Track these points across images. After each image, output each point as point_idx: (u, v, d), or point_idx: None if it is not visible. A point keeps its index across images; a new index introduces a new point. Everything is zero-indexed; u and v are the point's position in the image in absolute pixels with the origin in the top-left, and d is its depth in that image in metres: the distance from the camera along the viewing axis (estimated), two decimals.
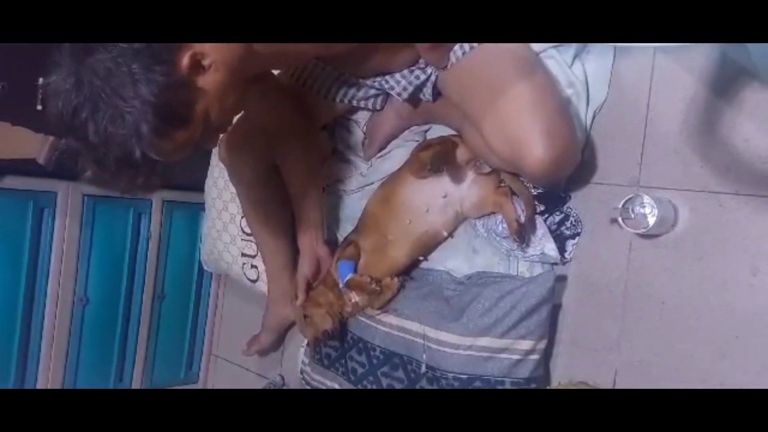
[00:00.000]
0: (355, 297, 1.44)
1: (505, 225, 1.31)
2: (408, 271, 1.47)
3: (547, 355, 1.30)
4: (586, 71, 1.29)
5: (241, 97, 1.08)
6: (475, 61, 1.22)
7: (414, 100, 1.39)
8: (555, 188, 1.32)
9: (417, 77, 1.33)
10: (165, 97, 0.91)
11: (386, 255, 1.42)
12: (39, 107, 1.51)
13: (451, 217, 1.39)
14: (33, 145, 1.55)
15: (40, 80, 1.53)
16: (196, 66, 0.96)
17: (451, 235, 1.42)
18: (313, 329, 1.49)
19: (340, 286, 1.45)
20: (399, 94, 1.36)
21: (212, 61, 0.98)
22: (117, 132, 0.90)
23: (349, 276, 1.42)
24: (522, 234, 1.28)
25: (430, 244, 1.43)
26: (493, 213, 1.35)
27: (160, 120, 0.92)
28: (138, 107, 0.90)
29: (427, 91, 1.35)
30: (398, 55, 1.30)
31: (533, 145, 1.14)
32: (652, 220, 1.16)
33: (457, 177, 1.35)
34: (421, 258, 1.45)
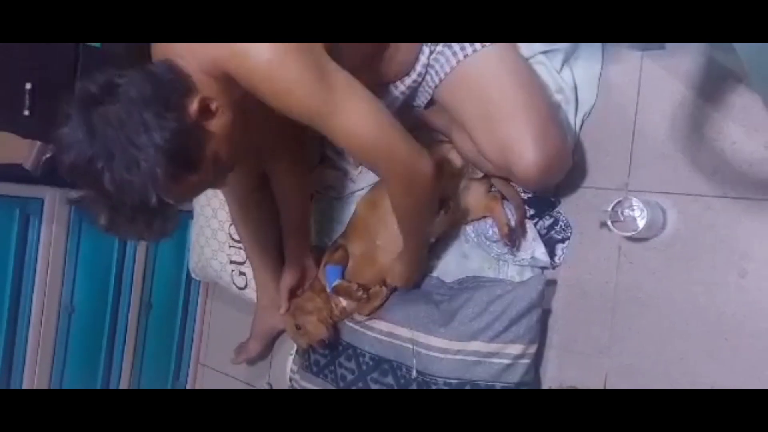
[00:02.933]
0: (342, 302, 1.43)
1: (495, 229, 1.31)
2: None
3: (537, 359, 1.29)
4: (574, 76, 1.30)
5: (246, 133, 1.09)
6: (467, 69, 1.22)
7: (404, 109, 1.39)
8: (545, 193, 1.32)
9: (403, 93, 1.33)
10: (178, 143, 0.93)
11: (375, 261, 1.41)
12: (26, 113, 1.51)
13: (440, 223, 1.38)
14: (19, 150, 1.54)
15: (28, 85, 1.53)
16: (205, 110, 0.99)
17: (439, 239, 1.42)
18: (308, 339, 1.48)
19: (327, 290, 1.44)
20: (388, 106, 1.35)
21: (219, 105, 1.00)
22: (133, 179, 0.91)
23: (336, 282, 1.41)
24: (513, 238, 1.28)
25: None
26: (484, 217, 1.35)
27: (173, 165, 0.93)
28: (152, 154, 0.91)
29: (420, 99, 1.36)
30: (391, 66, 1.29)
31: (524, 151, 1.15)
32: (641, 223, 1.16)
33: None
34: None
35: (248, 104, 1.06)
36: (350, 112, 1.04)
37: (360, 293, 1.39)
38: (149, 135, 0.91)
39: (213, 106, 1.00)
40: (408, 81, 1.31)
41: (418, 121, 1.45)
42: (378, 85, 1.35)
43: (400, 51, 1.25)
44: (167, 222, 1.00)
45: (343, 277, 1.42)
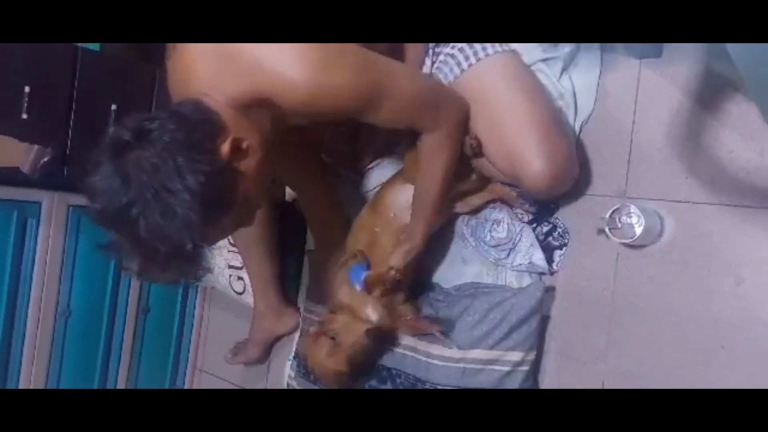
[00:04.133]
0: (372, 316, 1.32)
1: (493, 234, 1.31)
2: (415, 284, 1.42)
3: (535, 366, 1.30)
4: (573, 84, 1.31)
5: (272, 167, 1.09)
6: (470, 80, 1.22)
7: None
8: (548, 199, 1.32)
9: None
10: (211, 186, 0.92)
11: (377, 245, 1.37)
12: (24, 116, 1.51)
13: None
14: (17, 154, 1.54)
15: (26, 89, 1.53)
16: (237, 151, 0.97)
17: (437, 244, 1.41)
18: (347, 348, 1.30)
19: (358, 289, 1.34)
20: None
21: (249, 144, 0.99)
22: (168, 226, 0.90)
23: (365, 273, 1.33)
24: (524, 198, 1.30)
25: None
26: (491, 202, 1.36)
27: (207, 209, 0.92)
28: (187, 199, 0.90)
29: None
30: None
31: (533, 161, 1.17)
32: (638, 230, 1.17)
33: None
34: None
35: (277, 133, 1.05)
36: (399, 83, 1.06)
37: (392, 273, 1.30)
38: (183, 180, 0.90)
39: (244, 146, 0.99)
40: None
41: None
42: None
43: (407, 59, 1.25)
44: (199, 266, 1.00)
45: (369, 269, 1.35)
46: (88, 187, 0.93)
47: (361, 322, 1.30)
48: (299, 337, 1.48)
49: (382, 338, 1.35)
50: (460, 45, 1.22)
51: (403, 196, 1.37)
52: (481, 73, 1.21)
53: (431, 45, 1.27)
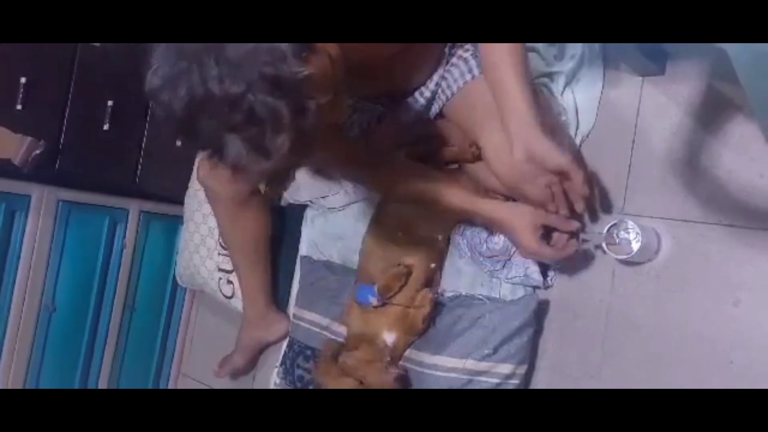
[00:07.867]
0: (387, 339, 1.32)
1: (489, 245, 1.30)
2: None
3: (526, 381, 1.28)
4: (575, 99, 1.31)
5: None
6: (478, 87, 1.21)
7: (411, 123, 1.38)
8: None
9: (415, 101, 1.32)
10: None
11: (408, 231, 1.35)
12: (19, 107, 1.49)
13: (438, 220, 1.35)
14: (9, 145, 1.51)
15: (23, 79, 1.51)
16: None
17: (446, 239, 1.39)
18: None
19: (373, 302, 1.32)
20: (417, 113, 1.34)
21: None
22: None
23: (377, 285, 1.31)
24: None
25: (433, 251, 1.36)
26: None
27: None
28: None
29: (432, 111, 1.35)
30: (414, 74, 1.27)
31: None
32: (635, 246, 1.16)
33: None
34: (432, 265, 1.36)
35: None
36: None
37: (400, 267, 1.29)
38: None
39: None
40: (426, 93, 1.30)
41: (431, 130, 1.42)
42: (388, 95, 1.34)
43: (427, 53, 1.23)
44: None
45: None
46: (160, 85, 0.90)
47: (378, 360, 1.30)
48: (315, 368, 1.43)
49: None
50: (472, 50, 1.22)
51: (404, 209, 1.36)
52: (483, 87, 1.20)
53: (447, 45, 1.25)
